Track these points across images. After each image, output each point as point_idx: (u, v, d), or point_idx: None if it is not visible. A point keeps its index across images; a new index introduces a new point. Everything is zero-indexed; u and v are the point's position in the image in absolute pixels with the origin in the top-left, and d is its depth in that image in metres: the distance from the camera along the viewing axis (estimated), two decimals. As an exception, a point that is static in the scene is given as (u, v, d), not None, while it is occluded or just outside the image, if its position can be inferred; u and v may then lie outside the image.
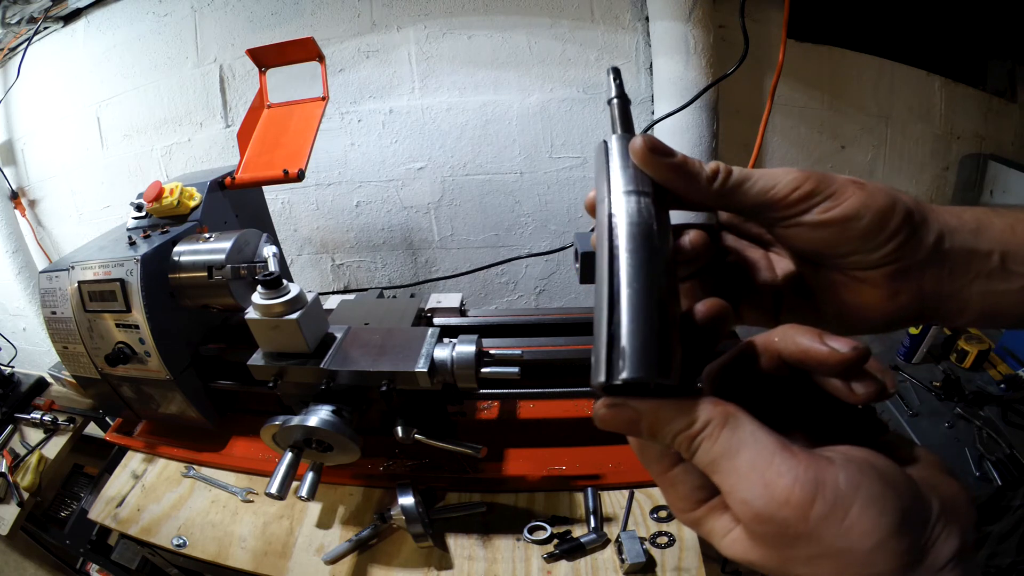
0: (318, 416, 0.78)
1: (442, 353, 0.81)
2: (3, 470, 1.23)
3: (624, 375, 0.24)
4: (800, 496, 0.23)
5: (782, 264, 0.35)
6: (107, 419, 1.37)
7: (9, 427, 1.33)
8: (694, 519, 0.28)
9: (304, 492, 0.77)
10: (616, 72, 0.33)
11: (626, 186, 0.29)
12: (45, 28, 1.71)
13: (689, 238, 0.32)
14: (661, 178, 0.30)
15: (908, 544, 0.22)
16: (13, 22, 1.66)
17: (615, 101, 0.32)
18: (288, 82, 1.21)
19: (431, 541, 0.88)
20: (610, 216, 0.28)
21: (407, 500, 0.86)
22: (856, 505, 0.22)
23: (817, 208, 0.29)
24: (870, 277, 0.31)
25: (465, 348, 0.81)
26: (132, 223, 1.05)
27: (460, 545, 0.91)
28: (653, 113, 1.55)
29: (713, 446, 0.25)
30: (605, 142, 0.31)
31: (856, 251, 0.30)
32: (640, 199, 0.28)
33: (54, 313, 0.96)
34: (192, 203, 1.03)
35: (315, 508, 0.98)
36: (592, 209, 0.31)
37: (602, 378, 0.25)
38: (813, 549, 0.23)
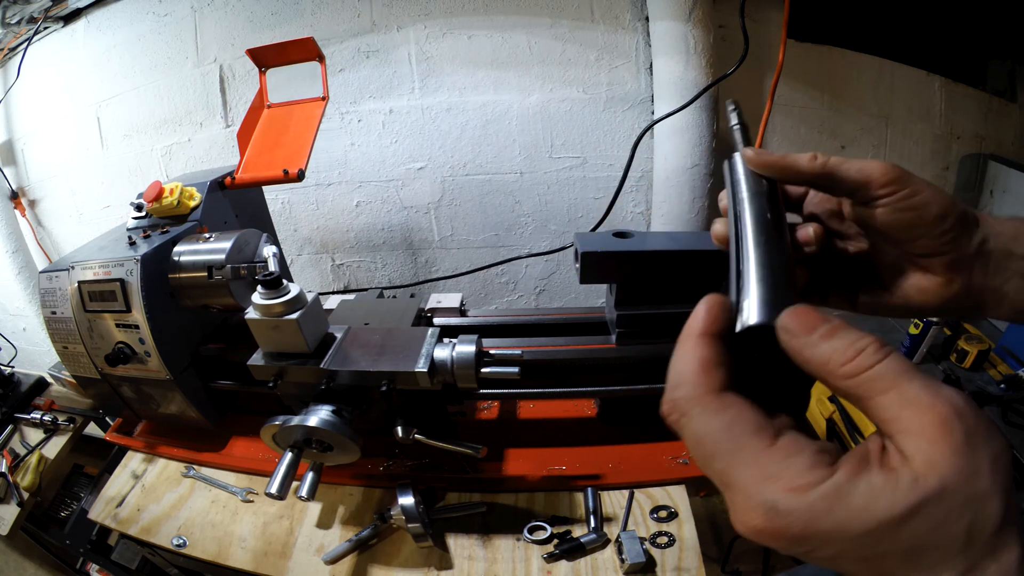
0: (318, 416, 0.78)
1: (442, 353, 0.81)
2: (3, 470, 1.23)
3: (759, 319, 0.30)
4: (966, 395, 0.25)
5: (859, 256, 0.42)
6: (107, 419, 1.37)
7: (9, 427, 1.33)
8: (836, 489, 0.24)
9: (304, 492, 0.77)
10: (736, 104, 0.43)
11: (749, 189, 0.37)
12: (45, 28, 1.71)
13: (810, 229, 0.39)
14: (770, 169, 0.38)
15: None
16: (13, 22, 1.66)
17: (737, 127, 0.42)
18: (288, 82, 1.21)
19: (431, 541, 0.88)
20: (737, 214, 0.36)
21: (407, 500, 0.86)
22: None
23: (902, 193, 0.36)
24: (932, 265, 0.38)
25: (465, 348, 0.81)
26: (132, 223, 1.05)
27: (460, 545, 0.91)
28: (653, 113, 1.55)
29: (903, 358, 0.25)
30: (729, 160, 0.40)
31: (924, 235, 0.37)
32: (759, 199, 0.37)
33: (54, 313, 0.96)
34: (192, 203, 1.03)
35: (315, 508, 0.98)
36: (721, 239, 0.40)
37: (755, 319, 0.30)
38: (993, 447, 0.23)
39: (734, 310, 0.31)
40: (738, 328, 0.30)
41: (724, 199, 0.40)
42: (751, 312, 0.30)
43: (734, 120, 0.42)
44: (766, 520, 0.24)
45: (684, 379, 0.28)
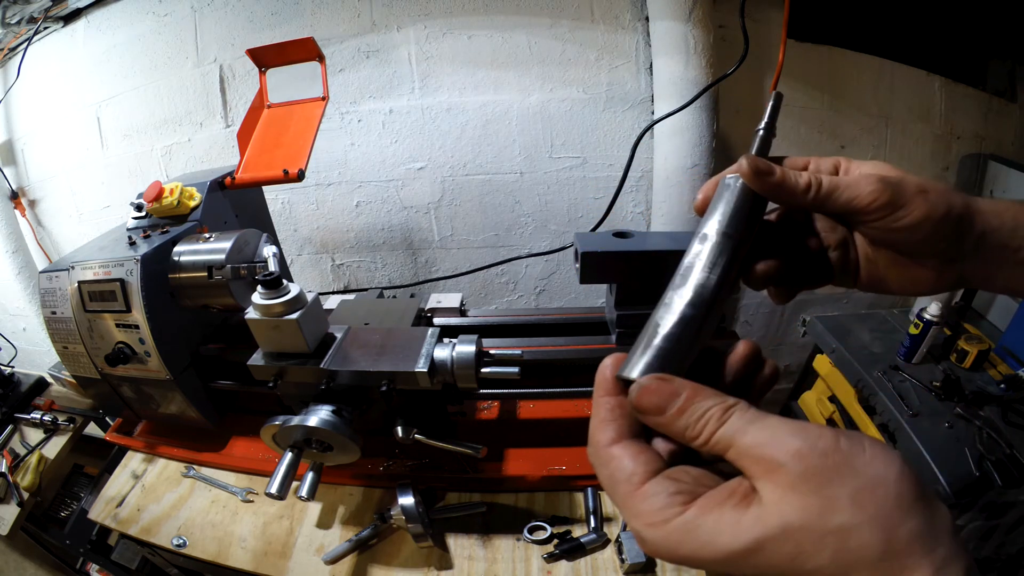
0: (318, 416, 0.78)
1: (442, 353, 0.81)
2: (3, 470, 1.23)
3: (634, 374, 0.33)
4: (829, 433, 0.26)
5: (861, 245, 0.43)
6: (107, 419, 1.37)
7: (9, 427, 1.33)
8: (685, 524, 0.27)
9: (304, 492, 0.77)
10: (778, 100, 0.39)
11: (716, 226, 0.36)
12: (45, 28, 1.71)
13: (761, 267, 0.40)
14: (765, 193, 0.37)
15: (916, 475, 0.25)
16: (13, 22, 1.66)
17: (760, 132, 0.39)
18: (288, 82, 1.21)
19: (431, 541, 0.88)
20: (693, 252, 0.36)
21: (407, 500, 0.86)
22: (866, 441, 0.26)
23: (890, 217, 0.37)
24: (926, 262, 0.39)
25: (465, 348, 0.81)
26: (132, 223, 1.05)
27: (460, 545, 0.91)
28: (653, 113, 1.55)
29: (746, 413, 0.29)
30: (723, 180, 0.38)
31: (918, 247, 0.38)
32: (720, 241, 0.36)
33: (54, 313, 0.96)
34: (192, 203, 1.03)
35: (315, 508, 0.98)
36: (700, 210, 0.39)
37: (625, 373, 0.33)
38: (853, 481, 0.24)
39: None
40: (617, 374, 0.34)
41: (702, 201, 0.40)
42: (630, 367, 0.33)
43: (764, 121, 0.39)
44: (644, 546, 0.29)
45: (589, 438, 0.34)
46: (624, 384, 0.33)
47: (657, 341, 0.33)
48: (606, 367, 0.35)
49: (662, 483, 0.29)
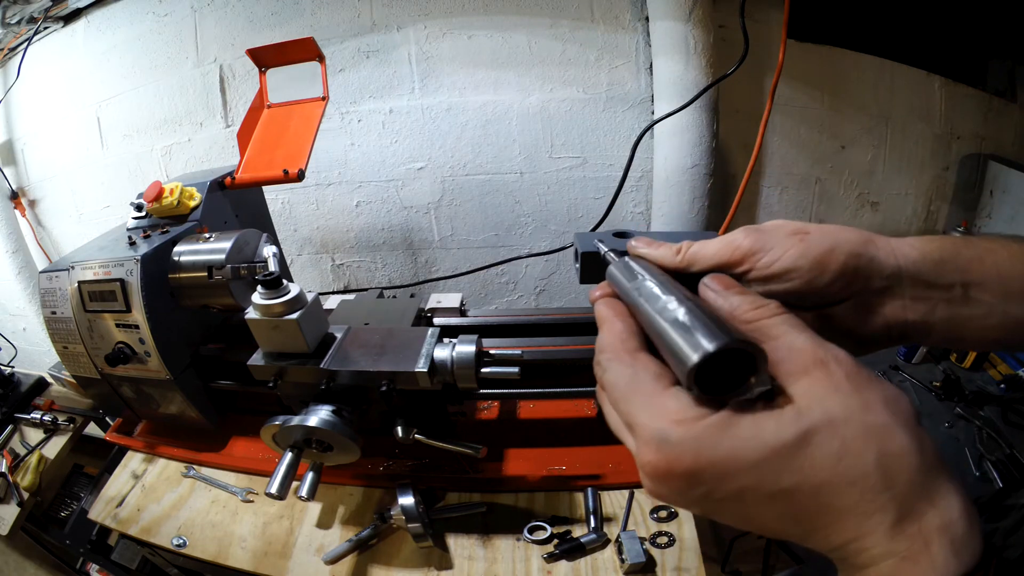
0: (318, 416, 0.78)
1: (442, 353, 0.81)
2: (3, 470, 1.23)
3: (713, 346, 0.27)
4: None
5: None
6: (107, 419, 1.37)
7: (9, 427, 1.33)
8: (722, 421, 0.25)
9: (304, 492, 0.77)
10: (600, 238, 0.47)
11: (643, 271, 0.36)
12: (45, 28, 1.71)
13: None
14: (649, 258, 0.39)
15: None
16: (13, 22, 1.66)
17: (608, 253, 0.44)
18: (288, 82, 1.21)
19: (431, 541, 0.88)
20: (640, 286, 0.35)
21: (407, 500, 0.86)
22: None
23: (760, 264, 0.35)
24: (835, 312, 0.36)
25: (465, 348, 0.81)
26: (132, 223, 1.05)
27: (460, 545, 0.91)
28: (653, 113, 1.55)
29: (796, 318, 0.29)
30: (616, 265, 0.40)
31: (807, 294, 0.35)
32: (656, 274, 0.36)
33: (54, 313, 0.96)
34: (192, 203, 1.03)
35: (315, 508, 0.98)
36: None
37: (704, 349, 0.27)
38: (882, 390, 0.25)
39: (675, 362, 0.28)
40: (688, 370, 0.27)
41: (605, 288, 0.40)
42: (698, 347, 0.27)
43: (604, 248, 0.44)
44: (658, 453, 0.26)
45: (605, 345, 0.33)
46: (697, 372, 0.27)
47: (690, 316, 0.29)
48: (601, 290, 0.38)
49: (687, 393, 0.28)
